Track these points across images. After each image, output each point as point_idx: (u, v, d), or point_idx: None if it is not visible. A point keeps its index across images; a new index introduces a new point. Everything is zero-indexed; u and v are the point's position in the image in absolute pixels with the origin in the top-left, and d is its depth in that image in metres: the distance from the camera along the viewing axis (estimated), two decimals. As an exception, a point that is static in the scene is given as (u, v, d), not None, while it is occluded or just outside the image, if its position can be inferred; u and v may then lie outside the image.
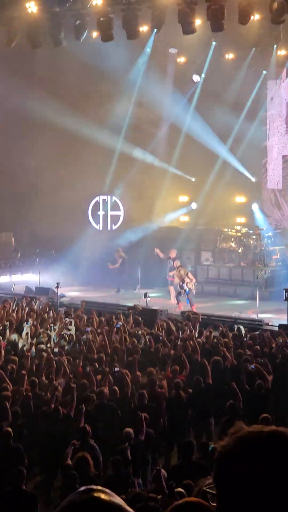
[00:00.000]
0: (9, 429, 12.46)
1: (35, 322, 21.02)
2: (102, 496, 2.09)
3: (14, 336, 19.29)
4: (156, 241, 33.75)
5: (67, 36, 27.75)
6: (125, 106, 35.22)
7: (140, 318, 21.96)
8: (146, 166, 36.28)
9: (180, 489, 9.06)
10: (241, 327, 20.95)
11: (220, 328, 20.31)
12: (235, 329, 20.66)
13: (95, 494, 2.09)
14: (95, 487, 2.13)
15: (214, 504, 2.23)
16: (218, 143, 35.02)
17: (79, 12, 26.81)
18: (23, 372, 15.45)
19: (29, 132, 33.30)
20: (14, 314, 22.26)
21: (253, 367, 15.45)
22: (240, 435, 2.16)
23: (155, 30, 27.72)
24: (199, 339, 18.62)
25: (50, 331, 19.78)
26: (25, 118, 32.87)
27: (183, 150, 35.63)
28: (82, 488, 2.14)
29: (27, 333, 19.49)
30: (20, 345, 18.68)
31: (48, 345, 18.67)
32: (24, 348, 18.03)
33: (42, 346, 18.17)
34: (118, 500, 2.11)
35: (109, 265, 32.44)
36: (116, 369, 15.82)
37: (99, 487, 2.13)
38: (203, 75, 34.87)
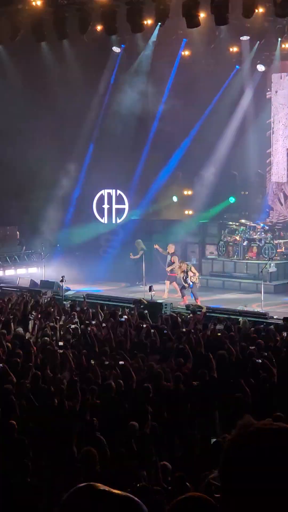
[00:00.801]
0: (13, 421, 12.51)
1: (39, 316, 21.07)
2: (104, 488, 2.12)
3: (20, 329, 19.33)
4: (159, 235, 33.79)
5: (71, 29, 27.76)
6: (130, 97, 35.11)
7: (145, 312, 21.98)
8: (151, 159, 36.23)
9: (184, 482, 9.09)
10: (246, 321, 20.96)
11: (225, 322, 20.32)
12: (240, 322, 20.67)
13: (100, 487, 2.12)
14: (94, 483, 2.16)
15: (218, 496, 2.24)
16: (222, 135, 34.97)
17: (83, 6, 26.80)
18: (29, 365, 15.50)
19: (32, 125, 33.27)
20: (19, 307, 22.31)
21: (260, 361, 15.45)
22: (249, 430, 2.16)
23: (159, 23, 27.68)
24: (203, 333, 18.63)
25: (55, 325, 19.82)
26: (26, 109, 32.81)
27: (187, 143, 35.60)
28: (82, 485, 2.16)
29: (33, 326, 19.55)
30: (26, 338, 18.70)
31: (53, 338, 18.70)
32: (31, 341, 18.06)
33: (47, 339, 18.20)
34: (120, 492, 2.14)
35: (131, 255, 32.09)
36: (121, 362, 15.85)
37: (99, 484, 2.16)
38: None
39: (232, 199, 34.84)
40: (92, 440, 11.93)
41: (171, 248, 30.06)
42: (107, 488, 2.14)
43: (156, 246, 30.34)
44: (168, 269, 29.33)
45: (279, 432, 2.14)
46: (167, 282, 28.93)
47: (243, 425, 2.19)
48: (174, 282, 28.83)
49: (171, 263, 29.27)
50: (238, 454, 2.13)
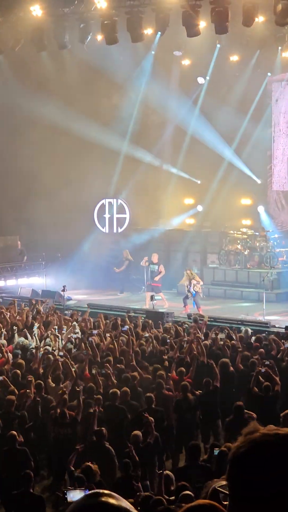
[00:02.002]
0: (14, 432, 12.48)
1: (41, 325, 21.04)
2: (110, 500, 2.09)
3: (21, 339, 19.29)
4: (162, 244, 33.83)
5: (72, 39, 27.84)
6: (130, 108, 35.19)
7: (150, 321, 21.96)
8: (152, 168, 36.29)
9: (187, 492, 9.06)
10: (248, 329, 20.93)
11: (226, 331, 20.29)
12: (242, 331, 20.63)
13: (103, 499, 2.10)
14: (102, 491, 2.13)
15: (225, 503, 2.23)
16: (223, 145, 34.99)
17: (83, 15, 26.87)
18: (30, 375, 15.47)
19: (34, 135, 33.30)
20: (20, 317, 22.30)
21: (263, 370, 15.41)
22: (254, 436, 2.15)
23: (159, 33, 27.73)
24: (205, 341, 18.60)
25: (57, 334, 19.78)
26: (29, 121, 32.89)
27: (189, 152, 35.61)
28: (90, 492, 2.14)
29: (35, 335, 19.53)
30: (29, 348, 18.66)
31: (55, 348, 18.66)
32: (33, 351, 18.03)
33: (49, 348, 18.17)
34: (125, 504, 2.12)
35: (115, 269, 32.63)
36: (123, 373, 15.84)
37: (106, 491, 2.13)
38: (207, 77, 34.86)
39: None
40: (101, 450, 11.92)
41: (155, 258, 30.05)
42: (112, 500, 2.11)
43: (145, 259, 30.24)
44: (157, 278, 29.36)
45: (285, 437, 2.13)
46: (148, 294, 28.67)
47: (248, 432, 2.18)
48: (148, 293, 28.64)
49: (159, 272, 29.38)
50: (245, 460, 2.13)
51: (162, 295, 28.79)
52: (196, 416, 14.80)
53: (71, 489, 9.73)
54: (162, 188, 36.07)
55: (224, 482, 2.59)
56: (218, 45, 32.50)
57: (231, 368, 16.28)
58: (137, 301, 29.17)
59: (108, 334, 19.56)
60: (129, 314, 23.19)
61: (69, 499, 9.24)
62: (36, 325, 20.90)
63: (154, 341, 18.76)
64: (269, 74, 34.47)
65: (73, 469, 11.03)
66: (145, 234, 34.87)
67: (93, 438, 12.57)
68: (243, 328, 21.15)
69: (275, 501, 2.05)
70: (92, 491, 2.13)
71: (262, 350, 17.88)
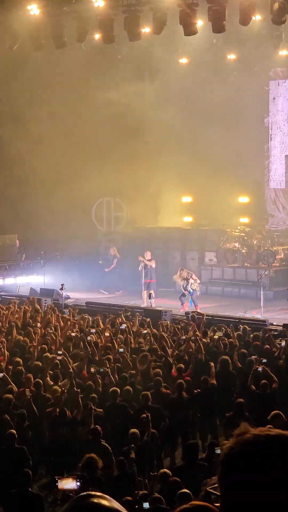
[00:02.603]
0: (13, 431, 12.52)
1: (39, 324, 21.07)
2: (102, 501, 2.13)
3: (20, 338, 19.33)
4: (160, 242, 33.82)
5: (69, 38, 27.83)
6: (126, 105, 35.15)
7: (147, 319, 21.97)
8: (149, 166, 36.21)
9: (185, 490, 9.10)
10: (246, 327, 20.95)
11: (224, 329, 20.32)
12: (240, 329, 20.66)
13: (95, 500, 2.13)
14: (94, 492, 2.17)
15: (217, 505, 2.25)
16: (221, 143, 34.94)
17: (81, 15, 26.86)
18: (29, 374, 15.50)
19: (32, 133, 33.30)
20: (18, 316, 22.34)
21: (260, 369, 15.44)
22: (246, 437, 2.17)
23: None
24: (203, 339, 18.64)
25: (55, 333, 19.80)
26: (28, 118, 32.86)
27: (186, 150, 35.57)
28: (82, 494, 2.18)
29: (35, 334, 19.56)
30: (27, 346, 18.70)
31: (53, 346, 18.68)
32: (31, 350, 18.06)
33: (45, 347, 18.17)
34: (117, 505, 2.15)
35: (106, 270, 32.81)
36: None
37: (98, 493, 2.17)
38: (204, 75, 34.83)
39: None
40: (97, 447, 11.95)
41: (147, 255, 30.03)
42: (104, 501, 2.15)
43: (140, 258, 30.21)
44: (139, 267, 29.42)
45: (276, 438, 2.15)
46: (145, 292, 28.69)
47: (239, 433, 2.20)
48: (146, 291, 28.68)
49: (153, 269, 29.45)
50: (236, 461, 2.14)
51: (145, 294, 28.73)
52: (189, 414, 14.82)
53: (63, 477, 9.73)
54: (159, 186, 35.99)
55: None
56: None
57: (230, 366, 16.32)
58: (135, 300, 29.18)
59: (107, 333, 19.57)
60: (126, 314, 23.18)
61: (59, 487, 9.27)
62: (34, 323, 20.94)
63: (152, 339, 18.80)
64: (266, 72, 34.49)
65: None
66: (142, 232, 34.85)
67: (89, 436, 12.59)
68: (241, 326, 21.18)
69: (266, 502, 2.07)
70: (84, 493, 2.17)
71: (260, 347, 17.93)
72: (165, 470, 10.91)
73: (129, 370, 16.08)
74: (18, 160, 33.16)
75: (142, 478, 11.54)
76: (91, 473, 10.29)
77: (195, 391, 15.08)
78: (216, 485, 2.25)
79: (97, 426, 12.58)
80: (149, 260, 29.78)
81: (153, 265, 29.60)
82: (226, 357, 16.50)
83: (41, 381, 15.12)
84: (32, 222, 34.13)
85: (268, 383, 14.91)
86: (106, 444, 12.32)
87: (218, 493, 2.21)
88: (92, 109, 34.18)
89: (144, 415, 12.79)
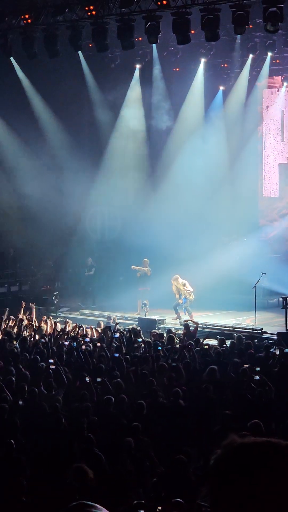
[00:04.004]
0: (11, 440, 12.48)
1: (33, 333, 21.07)
2: (94, 510, 2.11)
3: (14, 346, 19.30)
4: (153, 250, 33.76)
5: (63, 47, 27.86)
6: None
7: (138, 328, 21.99)
8: (144, 174, 36.20)
9: (178, 499, 9.07)
10: (240, 336, 20.97)
11: (218, 337, 20.34)
12: (234, 337, 20.67)
13: (88, 509, 2.12)
14: (87, 502, 2.15)
15: None
16: (214, 151, 34.98)
17: (74, 23, 26.88)
18: (23, 383, 15.47)
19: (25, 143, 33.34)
20: (12, 324, 22.32)
21: (257, 377, 15.43)
22: (233, 447, 2.17)
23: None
24: (197, 348, 18.64)
25: (48, 341, 19.78)
26: (23, 128, 32.90)
27: (179, 159, 35.59)
28: (75, 503, 2.16)
29: (28, 342, 19.56)
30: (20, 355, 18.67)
31: (47, 355, 18.66)
32: (24, 359, 18.05)
33: (38, 357, 18.13)
34: None
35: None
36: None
37: (91, 503, 2.15)
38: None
39: None
40: (90, 456, 11.91)
41: (145, 263, 29.99)
42: (96, 509, 2.14)
43: (133, 267, 30.16)
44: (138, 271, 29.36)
45: (263, 446, 2.14)
46: (139, 301, 28.65)
47: (227, 443, 2.19)
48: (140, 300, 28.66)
49: (147, 276, 29.41)
50: (224, 471, 2.14)
51: (139, 302, 28.68)
52: (185, 423, 14.78)
53: None
54: (154, 194, 35.96)
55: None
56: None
57: (221, 375, 16.30)
58: (129, 309, 29.14)
59: (98, 344, 19.53)
60: (116, 323, 23.14)
61: None
62: (27, 332, 20.94)
63: (146, 347, 18.80)
64: (259, 81, 34.53)
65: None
66: (136, 241, 34.83)
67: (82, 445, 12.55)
68: (235, 335, 21.20)
69: (255, 510, 2.06)
70: (77, 502, 2.16)
71: (254, 355, 17.94)
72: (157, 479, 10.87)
73: (123, 379, 16.05)
74: (14, 170, 33.16)
75: (136, 487, 11.50)
76: (81, 482, 10.22)
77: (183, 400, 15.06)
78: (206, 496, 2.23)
79: (90, 434, 12.54)
80: (145, 268, 29.75)
81: (149, 273, 29.57)
82: (214, 367, 16.42)
83: (36, 389, 15.08)
84: (26, 230, 34.09)
85: (265, 392, 14.89)
86: (99, 453, 12.29)
87: (207, 505, 2.21)
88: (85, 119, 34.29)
89: (137, 424, 12.75)
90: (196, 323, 22.59)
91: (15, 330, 21.87)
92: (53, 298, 26.06)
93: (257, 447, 2.14)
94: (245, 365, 16.77)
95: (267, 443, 2.15)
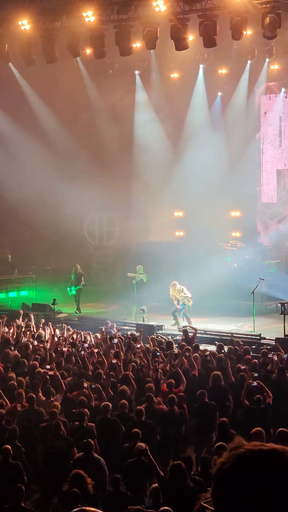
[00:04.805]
0: (8, 446, 12.45)
1: (31, 339, 21.03)
2: None
3: (12, 352, 19.27)
4: (151, 257, 33.75)
5: (61, 53, 27.89)
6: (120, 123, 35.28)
7: (136, 334, 21.96)
8: (141, 181, 36.24)
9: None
10: (239, 341, 20.95)
11: (217, 343, 20.31)
12: (233, 343, 20.64)
13: None
14: (87, 508, 2.15)
15: None
16: (213, 157, 35.00)
17: (72, 29, 26.90)
18: (21, 389, 15.45)
19: (24, 149, 33.35)
20: (10, 331, 22.29)
21: (255, 383, 15.39)
22: (239, 452, 2.16)
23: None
24: (195, 354, 18.60)
25: (47, 347, 19.75)
26: (19, 134, 32.94)
27: (178, 166, 35.63)
28: (75, 510, 2.16)
29: (26, 348, 19.50)
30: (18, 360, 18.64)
31: (45, 361, 18.61)
32: (22, 365, 18.00)
33: (36, 363, 18.09)
34: None
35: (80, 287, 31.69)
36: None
37: (92, 508, 2.15)
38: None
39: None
40: (89, 461, 11.89)
41: (140, 270, 29.95)
42: None
43: (129, 274, 30.10)
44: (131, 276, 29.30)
45: (269, 453, 2.14)
46: (135, 307, 28.56)
47: (233, 448, 2.19)
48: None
49: (143, 282, 29.38)
50: (229, 476, 2.13)
51: (134, 308, 28.60)
52: (181, 430, 14.74)
53: None
54: (151, 201, 35.99)
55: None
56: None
57: (222, 381, 16.27)
58: (129, 315, 29.11)
59: (96, 350, 19.47)
60: (117, 329, 23.12)
61: None
62: (26, 337, 20.90)
63: (145, 353, 18.76)
64: (257, 87, 34.60)
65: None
66: (134, 247, 34.83)
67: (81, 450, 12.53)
68: (233, 340, 21.17)
69: None
70: (77, 508, 2.15)
71: (253, 361, 17.91)
72: (157, 485, 10.84)
73: (121, 385, 16.01)
74: (11, 176, 33.16)
75: (135, 493, 11.48)
76: (81, 488, 10.21)
77: (184, 406, 15.02)
78: (210, 499, 2.23)
79: (89, 439, 12.51)
80: (140, 274, 29.73)
81: (145, 279, 29.56)
82: (217, 373, 16.43)
83: (34, 395, 15.04)
84: (24, 237, 34.11)
85: (263, 398, 14.86)
86: (99, 457, 12.27)
87: (212, 508, 2.20)
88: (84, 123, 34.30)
89: (136, 430, 12.71)
90: (195, 329, 22.55)
91: (14, 336, 21.84)
92: (52, 304, 25.98)
93: (263, 454, 2.13)
94: (243, 371, 16.76)
95: (274, 450, 2.14)
